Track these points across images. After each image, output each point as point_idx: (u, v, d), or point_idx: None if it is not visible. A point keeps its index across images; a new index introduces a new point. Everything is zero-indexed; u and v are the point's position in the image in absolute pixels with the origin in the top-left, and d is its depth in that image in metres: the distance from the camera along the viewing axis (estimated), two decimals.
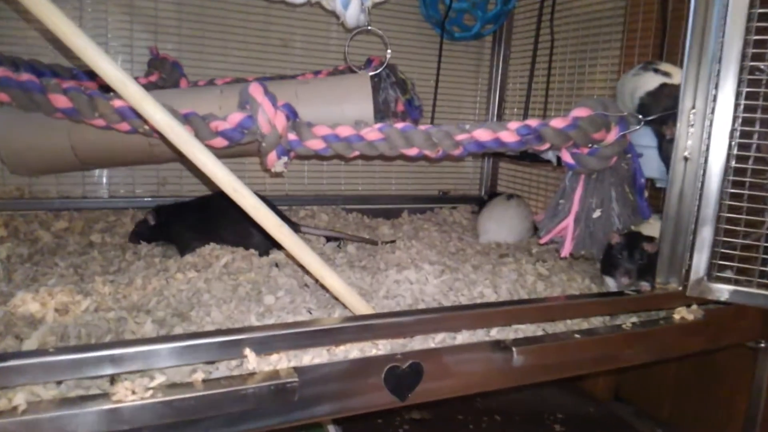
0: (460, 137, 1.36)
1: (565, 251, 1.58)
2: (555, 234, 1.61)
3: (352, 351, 1.08)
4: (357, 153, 1.37)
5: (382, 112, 2.05)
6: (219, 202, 1.62)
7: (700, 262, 1.35)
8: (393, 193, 2.70)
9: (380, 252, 1.93)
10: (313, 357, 1.03)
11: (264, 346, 0.97)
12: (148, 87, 1.85)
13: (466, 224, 2.55)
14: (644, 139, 1.59)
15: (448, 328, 1.16)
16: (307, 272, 1.31)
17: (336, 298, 1.26)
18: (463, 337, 1.18)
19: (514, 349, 1.15)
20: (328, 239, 1.99)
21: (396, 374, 1.05)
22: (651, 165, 1.58)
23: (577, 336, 1.24)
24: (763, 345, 1.58)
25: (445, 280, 1.59)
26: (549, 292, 1.58)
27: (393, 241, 1.98)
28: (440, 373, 1.10)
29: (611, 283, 1.53)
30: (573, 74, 2.27)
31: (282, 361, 1.00)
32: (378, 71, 1.74)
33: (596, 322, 1.37)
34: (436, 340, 1.16)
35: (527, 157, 2.00)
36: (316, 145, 1.35)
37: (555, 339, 1.22)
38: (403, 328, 1.10)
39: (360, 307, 1.18)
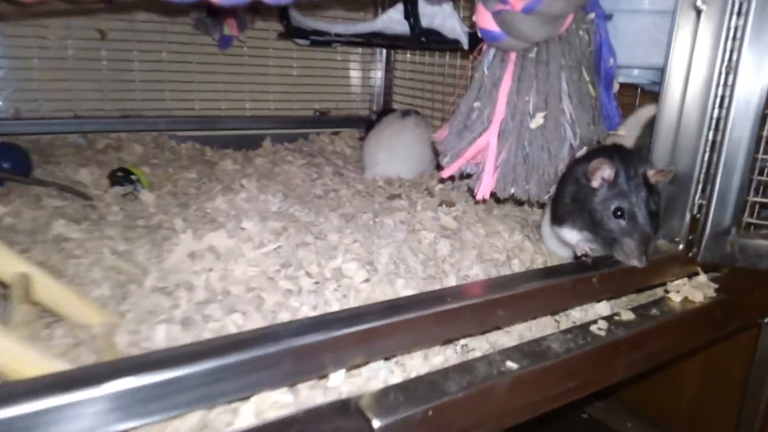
0: None
1: (483, 190, 0.93)
2: (467, 161, 0.95)
3: None
4: None
5: None
6: None
7: (725, 202, 0.73)
8: (249, 113, 1.95)
9: (196, 200, 1.21)
10: None
11: None
12: None
13: (351, 154, 1.87)
14: None
15: (224, 390, 0.47)
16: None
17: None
18: (254, 410, 0.50)
19: (375, 423, 0.49)
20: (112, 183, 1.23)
21: None
22: (626, 38, 0.93)
23: (511, 365, 0.60)
24: None
25: (280, 250, 0.90)
26: (457, 260, 0.94)
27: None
28: None
29: (571, 238, 0.89)
30: None
31: None
32: None
33: (544, 323, 0.73)
34: (187, 426, 0.47)
35: (421, 35, 1.30)
36: None
37: (468, 383, 0.57)
38: (99, 414, 0.41)
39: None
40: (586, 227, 0.82)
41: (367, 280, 0.85)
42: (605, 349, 0.68)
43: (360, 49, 2.06)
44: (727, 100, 0.72)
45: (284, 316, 0.72)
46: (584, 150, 0.90)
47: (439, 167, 1.07)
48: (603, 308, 0.78)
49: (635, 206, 0.75)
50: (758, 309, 0.96)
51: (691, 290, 0.80)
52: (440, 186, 1.38)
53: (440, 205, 1.23)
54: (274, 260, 0.87)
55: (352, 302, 0.76)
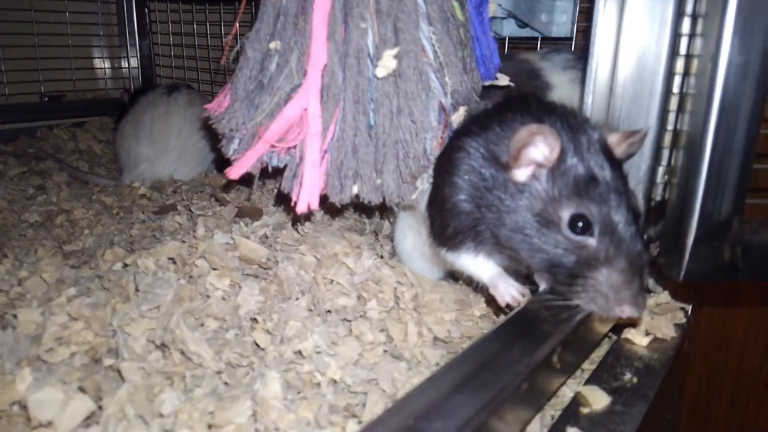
0: None
1: (307, 194, 0.53)
2: (270, 146, 0.53)
3: None
4: None
5: None
6: None
7: (722, 179, 0.43)
8: None
9: None
10: None
11: None
12: None
13: (103, 153, 1.34)
14: None
15: None
16: None
17: None
18: None
19: None
20: None
21: None
22: None
23: None
24: None
25: None
26: (277, 321, 0.54)
27: None
28: None
29: (478, 270, 0.52)
30: None
31: None
32: None
33: None
34: None
35: None
36: None
37: None
38: None
39: None
40: (503, 250, 0.47)
41: (90, 420, 0.40)
42: None
43: (99, 4, 1.48)
44: (706, 3, 0.41)
45: None
46: (461, 112, 0.54)
47: (222, 163, 0.63)
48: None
49: (610, 207, 0.41)
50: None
51: (656, 321, 0.49)
52: (233, 190, 0.93)
53: (237, 218, 0.80)
54: None
55: None
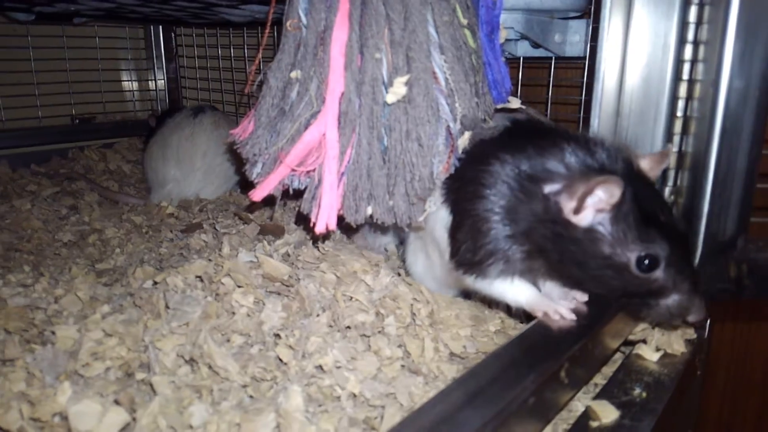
0: None
1: (325, 215, 0.55)
2: (290, 169, 0.56)
3: None
4: None
5: None
6: None
7: (726, 198, 0.44)
8: None
9: None
10: None
11: None
12: None
13: (132, 173, 1.39)
14: None
15: None
16: None
17: None
18: None
19: None
20: None
21: None
22: None
23: None
24: None
25: None
26: (299, 337, 0.56)
27: None
28: None
29: (508, 293, 0.54)
30: None
31: None
32: None
33: None
34: None
35: None
36: None
37: None
38: None
39: None
40: (538, 272, 0.49)
41: (125, 430, 0.43)
42: None
43: (128, 29, 1.54)
44: (707, 30, 0.43)
45: None
46: (466, 138, 0.57)
47: (246, 184, 0.66)
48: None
49: (669, 239, 0.44)
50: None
51: (666, 337, 0.51)
52: (257, 209, 0.97)
53: (260, 236, 0.83)
54: None
55: None
